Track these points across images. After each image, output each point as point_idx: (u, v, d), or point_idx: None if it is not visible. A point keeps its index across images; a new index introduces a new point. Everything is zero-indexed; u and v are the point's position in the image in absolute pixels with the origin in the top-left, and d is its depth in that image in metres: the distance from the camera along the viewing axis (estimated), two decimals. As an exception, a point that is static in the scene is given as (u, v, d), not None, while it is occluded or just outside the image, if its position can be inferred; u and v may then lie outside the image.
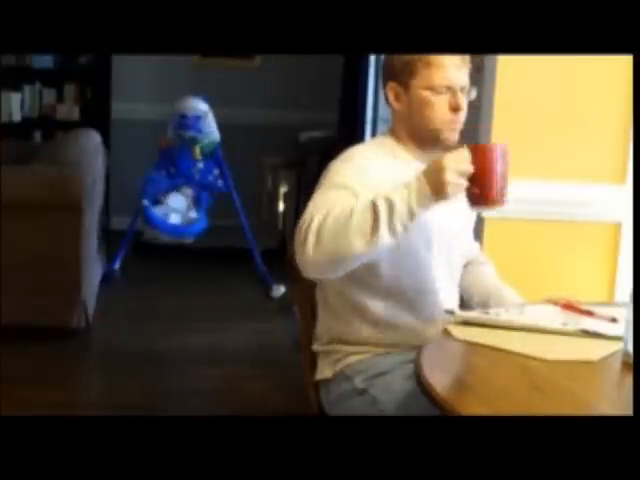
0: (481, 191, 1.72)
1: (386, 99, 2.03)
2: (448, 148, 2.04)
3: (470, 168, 1.69)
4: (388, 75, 1.99)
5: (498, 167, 1.72)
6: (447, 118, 1.94)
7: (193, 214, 5.13)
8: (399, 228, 1.69)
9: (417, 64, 1.92)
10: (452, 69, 1.91)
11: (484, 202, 1.75)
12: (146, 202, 4.98)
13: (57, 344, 3.78)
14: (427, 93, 1.93)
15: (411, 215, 1.69)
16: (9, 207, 3.65)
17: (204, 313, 4.49)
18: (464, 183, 1.69)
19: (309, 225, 1.71)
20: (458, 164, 1.68)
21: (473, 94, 1.98)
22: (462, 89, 1.94)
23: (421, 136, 1.99)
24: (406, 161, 1.99)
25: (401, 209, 1.68)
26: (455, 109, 1.93)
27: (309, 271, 1.76)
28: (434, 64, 1.91)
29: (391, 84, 1.99)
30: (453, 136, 1.97)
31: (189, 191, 5.14)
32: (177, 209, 5.11)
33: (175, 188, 5.12)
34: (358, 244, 1.68)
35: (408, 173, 1.94)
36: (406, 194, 1.69)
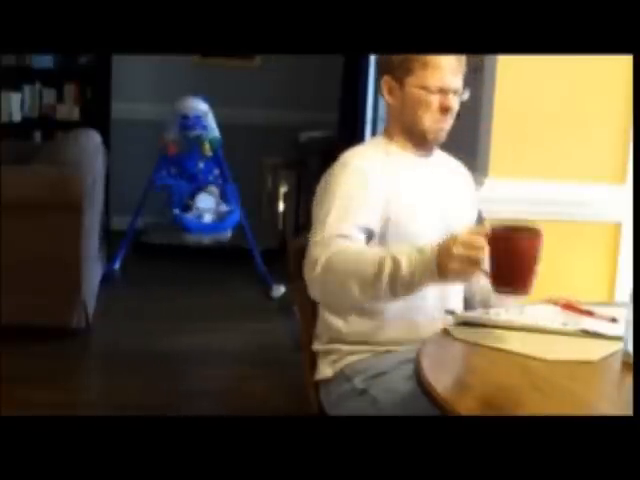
0: (495, 277, 1.61)
1: (380, 91, 2.06)
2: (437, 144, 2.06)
3: (481, 255, 1.59)
4: (384, 68, 2.02)
5: (518, 257, 1.60)
6: (436, 118, 1.97)
7: (224, 207, 5.22)
8: (401, 291, 1.72)
9: (414, 63, 1.95)
10: (448, 73, 1.95)
11: (503, 290, 1.64)
12: (177, 211, 5.08)
13: (57, 344, 3.78)
14: (420, 92, 1.96)
15: (412, 286, 1.70)
16: (9, 207, 3.65)
17: (204, 313, 4.49)
18: (474, 270, 1.62)
19: (317, 261, 1.76)
20: (468, 251, 1.60)
21: (466, 95, 2.01)
22: (455, 92, 1.97)
23: (410, 132, 2.02)
24: (397, 156, 2.03)
25: (405, 276, 1.68)
26: (445, 110, 1.96)
27: (316, 299, 1.94)
28: (431, 65, 1.94)
29: (386, 78, 2.02)
30: (440, 136, 2.01)
31: (214, 188, 5.20)
32: (207, 208, 5.22)
33: (200, 189, 5.18)
34: (359, 296, 1.75)
35: (400, 166, 1.98)
36: (414, 261, 1.68)
